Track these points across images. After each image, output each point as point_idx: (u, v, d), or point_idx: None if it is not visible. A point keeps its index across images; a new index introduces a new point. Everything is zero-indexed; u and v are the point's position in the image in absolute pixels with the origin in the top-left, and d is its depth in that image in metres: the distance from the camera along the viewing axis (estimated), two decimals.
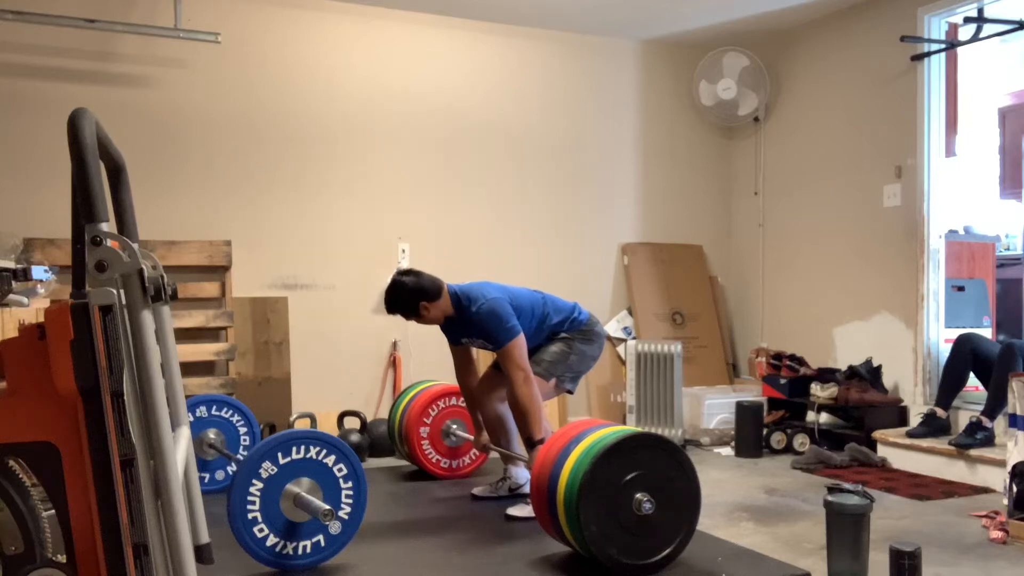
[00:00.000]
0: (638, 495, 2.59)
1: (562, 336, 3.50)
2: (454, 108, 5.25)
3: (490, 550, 2.96)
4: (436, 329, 3.54)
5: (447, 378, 4.05)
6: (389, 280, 3.37)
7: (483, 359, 4.49)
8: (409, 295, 3.30)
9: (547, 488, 2.71)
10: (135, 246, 1.37)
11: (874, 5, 4.98)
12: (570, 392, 3.58)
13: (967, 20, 4.43)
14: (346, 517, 2.74)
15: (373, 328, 4.99)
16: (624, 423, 5.06)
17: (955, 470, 4.06)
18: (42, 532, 1.38)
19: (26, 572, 1.36)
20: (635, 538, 2.60)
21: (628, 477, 2.59)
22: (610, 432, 2.69)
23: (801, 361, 5.02)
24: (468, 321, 3.34)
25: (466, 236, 5.27)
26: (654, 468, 2.64)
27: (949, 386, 4.30)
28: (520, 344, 3.28)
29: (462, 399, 3.84)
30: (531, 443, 3.21)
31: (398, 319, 3.46)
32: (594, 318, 3.61)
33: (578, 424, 2.88)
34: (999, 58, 5.80)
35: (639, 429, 2.79)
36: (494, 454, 3.77)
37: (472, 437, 3.82)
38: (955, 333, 4.47)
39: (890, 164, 4.88)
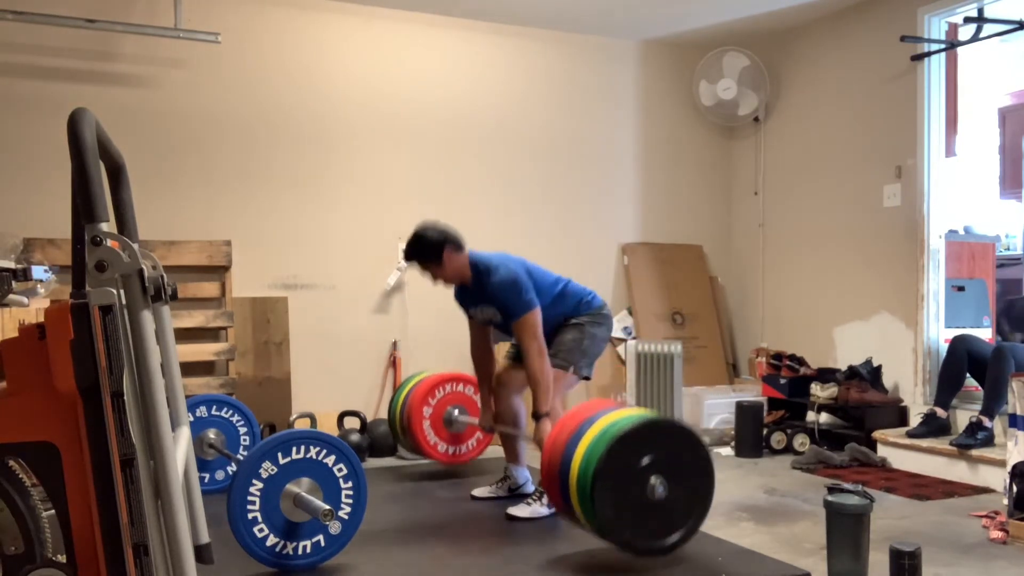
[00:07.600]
0: (652, 479, 2.62)
1: (573, 322, 3.49)
2: (454, 108, 5.24)
3: (490, 550, 2.96)
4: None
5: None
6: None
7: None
8: (434, 240, 3.32)
9: (559, 470, 2.73)
10: (135, 246, 1.37)
11: (874, 5, 4.98)
12: (587, 378, 3.56)
13: (967, 20, 4.42)
14: (346, 517, 2.74)
15: (373, 328, 4.98)
16: None
17: (955, 470, 4.06)
18: (42, 532, 1.38)
19: (26, 572, 1.36)
20: (649, 520, 2.63)
21: (643, 463, 2.62)
22: (623, 417, 2.71)
23: (801, 361, 5.02)
24: (484, 289, 3.35)
25: (466, 236, 5.22)
26: (668, 453, 2.66)
27: (947, 387, 4.31)
28: (536, 317, 3.29)
29: (462, 384, 3.84)
30: (537, 415, 3.26)
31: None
32: (606, 305, 3.62)
33: (589, 406, 2.89)
34: (999, 58, 5.80)
35: (651, 415, 2.80)
36: (496, 453, 3.77)
37: (476, 420, 3.82)
38: (955, 333, 4.47)
39: (890, 164, 4.88)
